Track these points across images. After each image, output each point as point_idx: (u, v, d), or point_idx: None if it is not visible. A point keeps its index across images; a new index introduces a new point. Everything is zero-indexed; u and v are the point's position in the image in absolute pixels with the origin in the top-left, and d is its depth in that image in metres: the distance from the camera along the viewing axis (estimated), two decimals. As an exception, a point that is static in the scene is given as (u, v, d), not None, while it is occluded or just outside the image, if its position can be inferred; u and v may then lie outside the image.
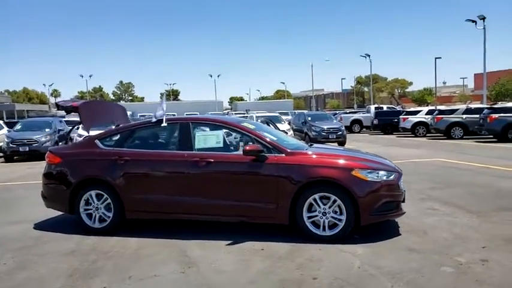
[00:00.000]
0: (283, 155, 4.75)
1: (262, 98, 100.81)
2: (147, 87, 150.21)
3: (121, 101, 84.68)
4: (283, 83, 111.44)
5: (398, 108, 32.89)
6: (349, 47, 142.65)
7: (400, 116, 23.96)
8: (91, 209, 5.22)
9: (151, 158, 5.09)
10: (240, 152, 4.91)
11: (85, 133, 15.36)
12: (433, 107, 24.93)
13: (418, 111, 23.76)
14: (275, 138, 5.10)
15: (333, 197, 4.53)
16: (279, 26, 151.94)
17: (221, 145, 5.03)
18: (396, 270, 3.72)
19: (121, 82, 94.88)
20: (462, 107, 22.07)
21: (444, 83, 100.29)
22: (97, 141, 5.40)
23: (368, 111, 29.70)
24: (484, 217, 5.36)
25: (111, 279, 3.75)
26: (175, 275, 3.83)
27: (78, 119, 6.35)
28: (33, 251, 4.65)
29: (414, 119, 22.74)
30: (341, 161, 4.74)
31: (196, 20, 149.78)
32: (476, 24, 27.57)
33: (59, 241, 4.97)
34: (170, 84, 75.78)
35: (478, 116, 18.65)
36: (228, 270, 3.88)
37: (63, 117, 20.03)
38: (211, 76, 66.76)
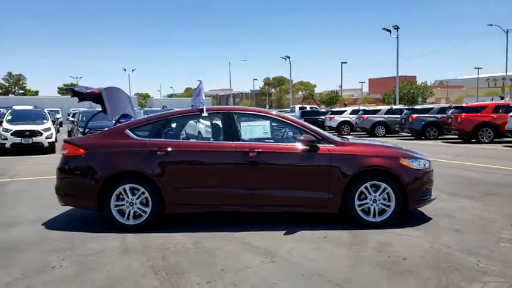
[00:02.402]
0: (333, 145, 4.92)
1: (171, 96, 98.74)
2: (44, 80, 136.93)
3: (10, 95, 75.56)
4: (200, 80, 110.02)
5: (320, 109, 35.04)
6: (260, 48, 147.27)
7: (327, 116, 25.55)
8: (124, 205, 4.80)
9: (197, 149, 4.86)
10: (290, 142, 4.98)
11: (13, 127, 13.59)
12: (356, 107, 27.03)
13: (343, 111, 25.60)
14: (320, 130, 5.24)
15: (383, 185, 4.82)
16: (195, 24, 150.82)
17: (269, 136, 5.01)
18: (465, 247, 4.14)
19: (10, 73, 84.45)
20: (384, 107, 24.39)
21: (340, 86, 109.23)
22: (128, 131, 4.98)
23: (293, 111, 31.09)
24: (481, 201, 6.14)
25: (205, 273, 3.56)
26: (266, 264, 3.77)
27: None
28: (77, 251, 4.15)
29: (340, 118, 24.44)
30: (388, 150, 5.08)
31: (112, 13, 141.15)
32: (390, 33, 30.75)
33: (96, 240, 4.49)
34: (77, 78, 69.86)
35: (398, 116, 20.83)
36: (315, 257, 3.93)
37: None
38: (125, 70, 63.38)
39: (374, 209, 4.85)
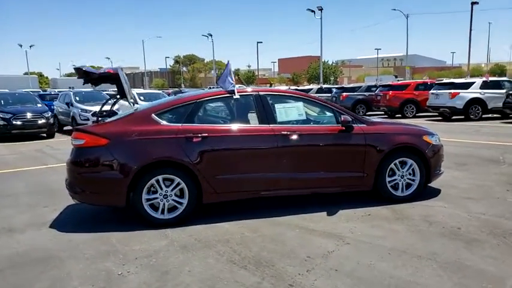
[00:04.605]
0: (365, 125, 5.01)
1: (70, 75, 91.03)
2: None
3: None
4: (109, 58, 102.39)
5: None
6: (173, 26, 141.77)
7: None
8: (157, 198, 4.38)
9: (234, 133, 4.57)
10: (324, 123, 4.96)
11: None
12: (286, 87, 27.65)
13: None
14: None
15: (410, 161, 5.07)
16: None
17: (303, 117, 4.91)
18: (496, 213, 4.55)
19: None
20: (314, 87, 25.32)
21: (249, 66, 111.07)
22: (154, 117, 4.50)
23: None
24: (463, 171, 6.79)
25: (294, 262, 3.43)
26: (344, 247, 3.75)
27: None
28: (129, 254, 3.70)
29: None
30: (412, 128, 5.33)
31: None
32: (314, 13, 31.76)
33: (137, 239, 4.05)
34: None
35: (328, 95, 21.88)
36: (382, 235, 4.00)
37: None
38: (21, 46, 56.25)
39: (402, 184, 5.09)
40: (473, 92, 15.89)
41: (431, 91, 16.91)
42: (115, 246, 3.91)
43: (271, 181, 4.67)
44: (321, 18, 31.47)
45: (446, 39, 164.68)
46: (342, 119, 4.77)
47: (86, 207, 5.03)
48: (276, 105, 4.84)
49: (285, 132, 4.66)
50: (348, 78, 73.30)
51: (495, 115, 16.50)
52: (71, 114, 15.14)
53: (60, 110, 16.37)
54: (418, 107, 18.20)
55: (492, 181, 6.03)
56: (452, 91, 15.95)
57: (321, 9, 31.20)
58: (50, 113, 14.22)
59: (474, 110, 15.86)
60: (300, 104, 4.94)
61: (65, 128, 16.51)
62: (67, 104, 15.72)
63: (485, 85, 16.05)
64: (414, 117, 18.22)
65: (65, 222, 4.67)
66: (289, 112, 4.85)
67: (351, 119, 4.84)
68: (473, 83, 16.38)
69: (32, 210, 5.19)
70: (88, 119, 14.47)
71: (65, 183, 4.60)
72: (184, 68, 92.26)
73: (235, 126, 4.65)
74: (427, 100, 17.17)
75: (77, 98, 15.74)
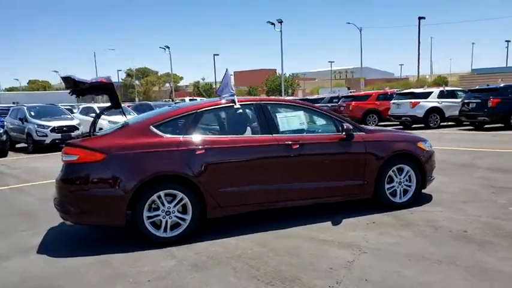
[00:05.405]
0: (364, 133, 5.03)
1: (12, 89, 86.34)
2: None
3: None
4: (57, 71, 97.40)
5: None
6: (128, 39, 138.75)
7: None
8: (158, 215, 4.11)
9: (238, 144, 4.41)
10: (324, 132, 4.92)
11: None
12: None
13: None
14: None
15: (407, 168, 5.13)
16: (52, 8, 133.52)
17: (305, 126, 4.85)
18: (492, 215, 4.67)
19: None
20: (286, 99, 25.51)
21: (203, 79, 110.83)
22: (153, 128, 4.25)
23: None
24: (445, 176, 6.96)
25: (319, 275, 3.31)
26: (363, 256, 3.68)
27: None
28: (139, 277, 3.42)
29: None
30: (407, 136, 5.41)
31: None
32: (274, 26, 32.19)
33: (142, 260, 3.76)
34: None
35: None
36: (395, 242, 3.98)
37: None
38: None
39: (400, 190, 5.13)
40: (432, 101, 16.67)
41: (393, 101, 17.57)
42: (119, 268, 3.60)
43: (276, 193, 4.54)
44: (280, 31, 32.14)
45: (393, 52, 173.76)
46: (345, 127, 4.75)
47: (71, 229, 4.65)
48: (277, 115, 4.74)
49: (289, 142, 4.56)
50: (302, 90, 74.86)
51: (450, 123, 17.38)
52: (26, 130, 14.20)
53: (12, 127, 15.31)
54: (380, 117, 18.83)
55: (476, 185, 6.24)
56: (413, 100, 16.65)
57: (280, 22, 31.81)
58: (1, 130, 13.24)
59: (433, 119, 16.62)
60: (301, 112, 4.89)
61: (17, 146, 15.48)
62: (20, 119, 14.73)
63: (442, 95, 16.90)
64: (376, 126, 18.81)
65: (53, 246, 4.27)
66: (291, 121, 4.77)
67: (352, 127, 4.84)
68: (431, 92, 17.19)
69: (9, 235, 4.72)
70: (46, 135, 13.68)
71: (54, 203, 4.21)
72: (137, 81, 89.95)
73: (237, 137, 4.49)
74: (389, 109, 17.82)
75: (32, 113, 14.80)
